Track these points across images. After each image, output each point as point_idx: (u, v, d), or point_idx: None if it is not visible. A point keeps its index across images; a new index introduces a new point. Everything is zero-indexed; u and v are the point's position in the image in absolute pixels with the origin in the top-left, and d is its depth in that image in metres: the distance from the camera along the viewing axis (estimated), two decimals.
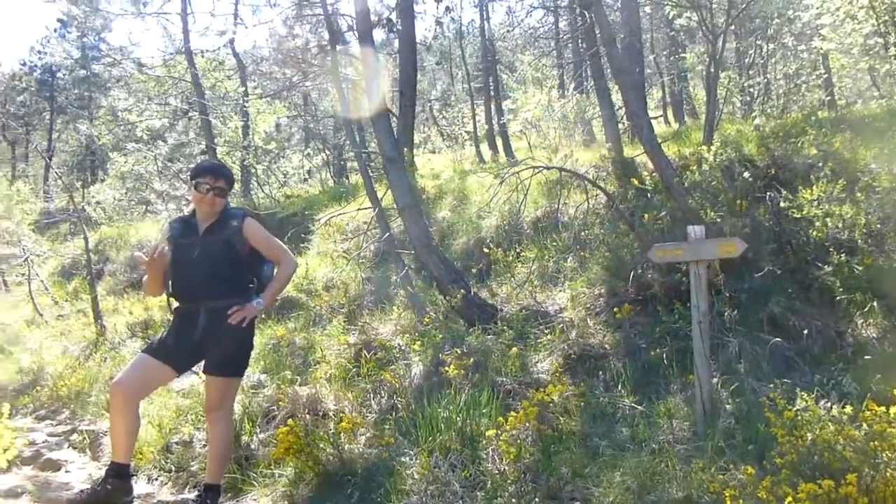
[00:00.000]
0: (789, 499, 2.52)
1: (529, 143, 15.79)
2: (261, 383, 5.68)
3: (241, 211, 3.89)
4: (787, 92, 13.49)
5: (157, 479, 4.70)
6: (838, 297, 5.00)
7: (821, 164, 5.82)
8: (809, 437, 3.06)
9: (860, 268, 4.98)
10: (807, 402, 3.56)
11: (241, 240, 3.73)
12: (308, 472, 4.05)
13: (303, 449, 4.01)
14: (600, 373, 4.98)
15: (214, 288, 3.67)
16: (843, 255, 5.03)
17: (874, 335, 4.83)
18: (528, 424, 3.79)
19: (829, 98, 13.16)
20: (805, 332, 4.82)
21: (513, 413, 3.86)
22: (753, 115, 11.79)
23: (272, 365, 6.00)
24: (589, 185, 6.99)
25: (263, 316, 6.76)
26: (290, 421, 4.24)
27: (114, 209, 19.56)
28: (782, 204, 5.16)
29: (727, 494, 2.81)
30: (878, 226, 5.34)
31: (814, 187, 4.93)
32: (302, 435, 4.06)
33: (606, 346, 5.24)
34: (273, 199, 14.85)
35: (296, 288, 7.93)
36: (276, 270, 3.90)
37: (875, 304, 4.89)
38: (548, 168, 6.22)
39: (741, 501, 2.74)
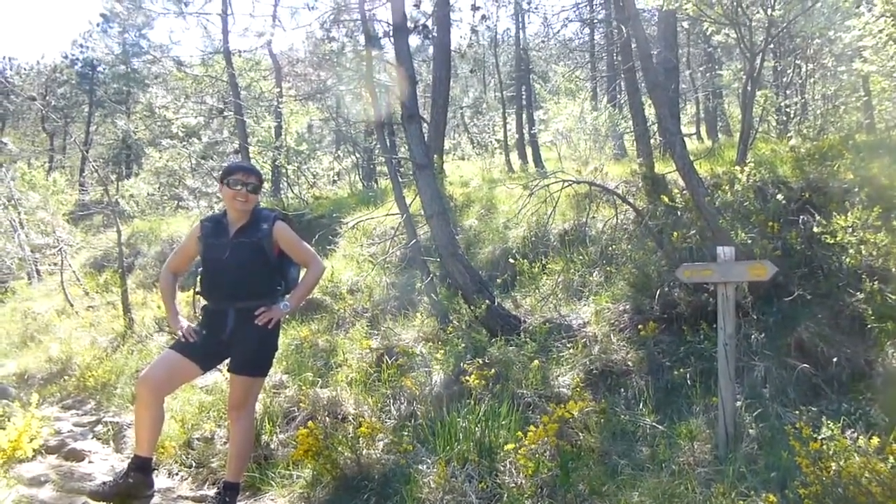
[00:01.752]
0: None
1: (559, 155, 15.76)
2: (282, 384, 5.73)
3: (271, 213, 3.92)
4: (825, 113, 13.26)
5: (177, 474, 4.76)
6: (869, 326, 4.90)
7: (857, 190, 5.71)
8: (834, 469, 3.00)
9: (893, 297, 4.87)
10: (833, 431, 3.50)
11: (270, 243, 3.77)
12: (326, 475, 4.07)
13: (321, 452, 4.04)
14: (622, 390, 4.95)
15: (244, 289, 3.71)
16: (875, 282, 4.93)
17: None
18: (546, 439, 3.77)
19: (868, 121, 12.91)
20: (834, 359, 4.74)
21: (532, 427, 3.85)
22: (789, 135, 11.62)
23: (294, 366, 6.05)
24: (618, 200, 6.96)
25: (288, 317, 6.82)
26: (310, 423, 4.28)
27: (147, 203, 19.90)
28: (815, 229, 5.07)
29: None
30: None
31: (848, 213, 4.84)
32: (321, 437, 4.09)
33: (629, 363, 5.21)
34: (302, 200, 14.98)
35: (321, 290, 7.99)
36: (303, 273, 3.94)
37: None
38: (577, 182, 6.19)
39: None
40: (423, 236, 7.49)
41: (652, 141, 9.89)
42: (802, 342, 4.96)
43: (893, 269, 4.81)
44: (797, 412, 4.19)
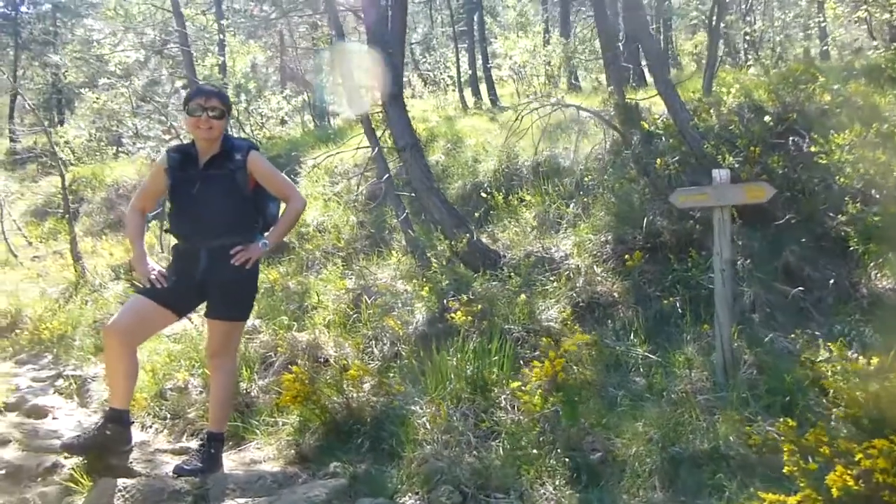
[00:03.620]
0: (859, 455, 2.35)
1: (517, 90, 15.45)
2: (256, 329, 5.45)
3: (245, 143, 3.57)
4: (782, 42, 13.29)
5: (151, 427, 4.49)
6: (852, 248, 4.90)
7: (839, 111, 5.63)
8: (867, 391, 2.93)
9: (877, 218, 4.85)
10: (833, 352, 3.48)
11: (244, 175, 3.43)
12: (314, 421, 3.88)
13: (309, 397, 3.83)
14: (609, 321, 4.86)
15: (216, 227, 3.39)
16: (858, 203, 4.90)
17: (889, 287, 4.75)
18: (552, 374, 3.64)
19: (824, 48, 12.99)
20: (821, 282, 4.72)
21: (536, 363, 3.71)
22: (749, 64, 11.58)
23: (267, 310, 5.77)
24: (591, 130, 6.76)
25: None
26: (294, 367, 4.05)
27: (83, 149, 18.81)
28: (813, 148, 4.95)
29: (786, 448, 2.63)
30: None
31: (846, 131, 4.74)
32: (307, 382, 3.87)
33: (615, 294, 5.11)
34: (254, 139, 14.35)
35: None
36: (282, 208, 3.63)
37: (891, 255, 4.78)
38: (566, 106, 5.95)
39: (798, 456, 2.58)
40: (392, 171, 7.18)
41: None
42: (789, 266, 4.94)
43: (884, 191, 4.76)
44: (792, 337, 4.15)
